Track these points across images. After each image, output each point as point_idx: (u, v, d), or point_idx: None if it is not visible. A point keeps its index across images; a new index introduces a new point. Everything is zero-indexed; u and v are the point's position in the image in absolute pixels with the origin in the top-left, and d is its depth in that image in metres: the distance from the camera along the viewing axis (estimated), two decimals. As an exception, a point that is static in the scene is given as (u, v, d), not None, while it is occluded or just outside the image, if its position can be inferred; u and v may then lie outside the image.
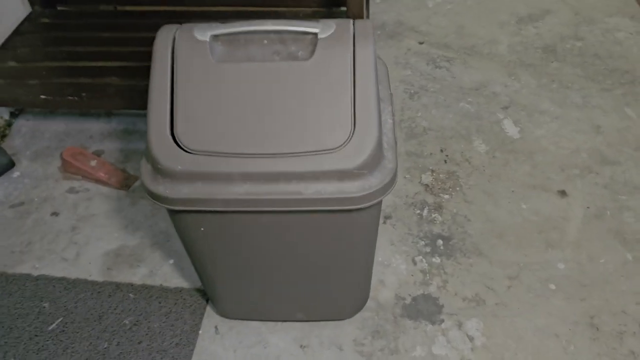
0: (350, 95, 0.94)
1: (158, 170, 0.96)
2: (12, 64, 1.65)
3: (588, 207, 1.57)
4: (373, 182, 0.95)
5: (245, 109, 0.95)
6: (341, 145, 0.93)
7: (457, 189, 1.62)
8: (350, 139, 0.93)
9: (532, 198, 1.59)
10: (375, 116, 0.94)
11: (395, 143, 1.02)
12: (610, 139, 1.77)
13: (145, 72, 1.62)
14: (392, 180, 0.97)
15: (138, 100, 1.53)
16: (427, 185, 1.63)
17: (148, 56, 1.69)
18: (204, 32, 0.98)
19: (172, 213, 1.03)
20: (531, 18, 2.32)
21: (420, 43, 2.19)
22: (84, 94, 1.53)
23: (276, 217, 1.00)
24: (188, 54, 0.98)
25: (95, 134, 1.83)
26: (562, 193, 1.60)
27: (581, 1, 2.41)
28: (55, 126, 1.86)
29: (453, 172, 1.67)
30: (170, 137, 0.95)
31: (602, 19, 2.30)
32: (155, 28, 1.85)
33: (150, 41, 1.75)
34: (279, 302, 1.26)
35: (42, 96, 1.53)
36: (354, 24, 0.99)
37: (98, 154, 1.75)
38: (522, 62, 2.09)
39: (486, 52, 2.14)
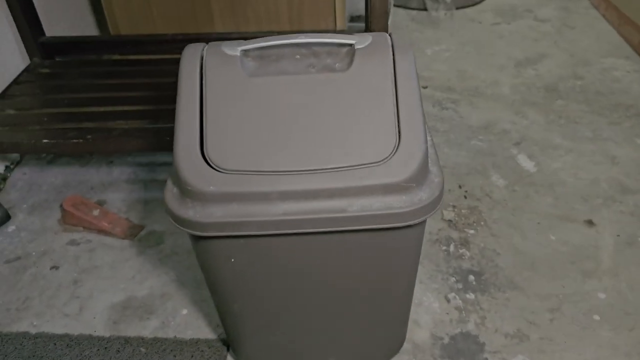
0: (393, 104, 0.89)
1: (187, 193, 0.88)
2: (10, 112, 1.58)
3: (618, 235, 1.50)
4: (422, 196, 0.87)
5: (281, 124, 0.89)
6: (387, 157, 0.86)
7: (482, 223, 1.55)
8: (397, 150, 0.87)
9: (560, 229, 1.53)
10: (422, 125, 0.88)
11: (437, 158, 0.96)
12: (628, 169, 1.74)
13: (152, 115, 1.57)
14: (441, 195, 0.90)
15: (147, 141, 1.46)
16: (450, 221, 1.56)
17: (154, 100, 1.65)
18: (233, 48, 0.94)
19: (198, 241, 0.93)
20: (529, 61, 2.34)
21: (424, 87, 2.18)
22: (89, 137, 1.45)
23: (315, 240, 0.91)
24: (218, 68, 0.92)
25: (96, 184, 1.75)
26: (590, 222, 1.55)
27: (574, 45, 2.46)
28: (54, 178, 1.77)
29: (475, 207, 1.61)
30: (200, 156, 0.88)
31: (597, 60, 2.34)
32: (160, 73, 1.80)
33: (156, 86, 1.71)
34: (310, 344, 1.14)
35: (45, 140, 1.44)
36: (390, 36, 0.95)
37: (100, 204, 1.66)
38: (527, 101, 2.08)
39: (490, 93, 2.14)
